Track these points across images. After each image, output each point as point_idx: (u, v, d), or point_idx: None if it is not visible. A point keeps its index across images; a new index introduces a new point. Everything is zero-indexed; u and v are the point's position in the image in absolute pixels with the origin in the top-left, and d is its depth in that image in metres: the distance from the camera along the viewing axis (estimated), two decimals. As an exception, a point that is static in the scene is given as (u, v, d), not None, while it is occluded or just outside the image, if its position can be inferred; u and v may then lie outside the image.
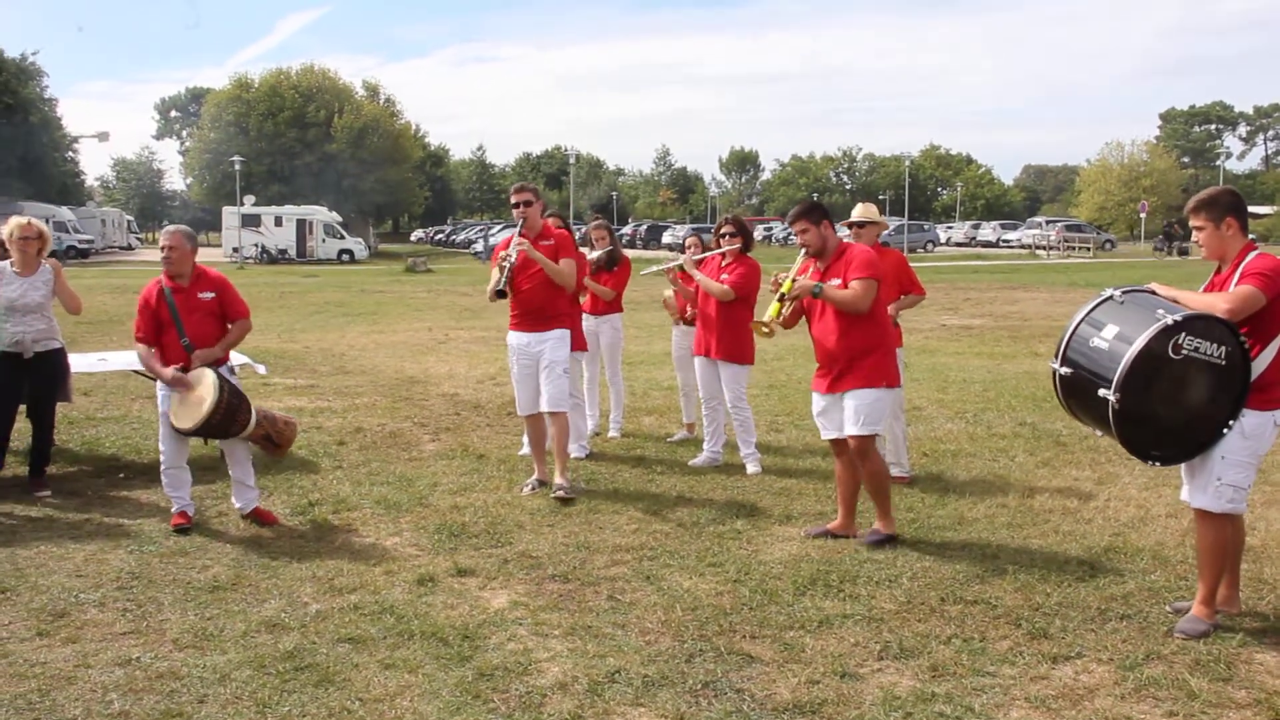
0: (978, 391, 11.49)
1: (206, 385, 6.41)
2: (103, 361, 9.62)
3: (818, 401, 6.29)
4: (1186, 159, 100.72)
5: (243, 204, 55.92)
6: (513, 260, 7.08)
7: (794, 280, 6.18)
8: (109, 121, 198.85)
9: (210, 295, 6.65)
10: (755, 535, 6.35)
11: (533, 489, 7.33)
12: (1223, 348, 4.62)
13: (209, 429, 6.44)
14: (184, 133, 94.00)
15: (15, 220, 7.36)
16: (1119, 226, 77.77)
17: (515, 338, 7.40)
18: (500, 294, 7.09)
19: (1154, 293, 4.89)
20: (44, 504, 7.11)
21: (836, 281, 6.03)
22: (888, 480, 6.28)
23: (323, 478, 7.78)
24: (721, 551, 6.02)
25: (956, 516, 6.71)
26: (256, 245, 54.32)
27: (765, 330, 6.33)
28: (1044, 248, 58.28)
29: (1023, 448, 8.70)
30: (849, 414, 6.06)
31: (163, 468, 6.65)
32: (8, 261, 7.26)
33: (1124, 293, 4.92)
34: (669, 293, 8.98)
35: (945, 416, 10.04)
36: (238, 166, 56.71)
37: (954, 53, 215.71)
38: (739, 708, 4.16)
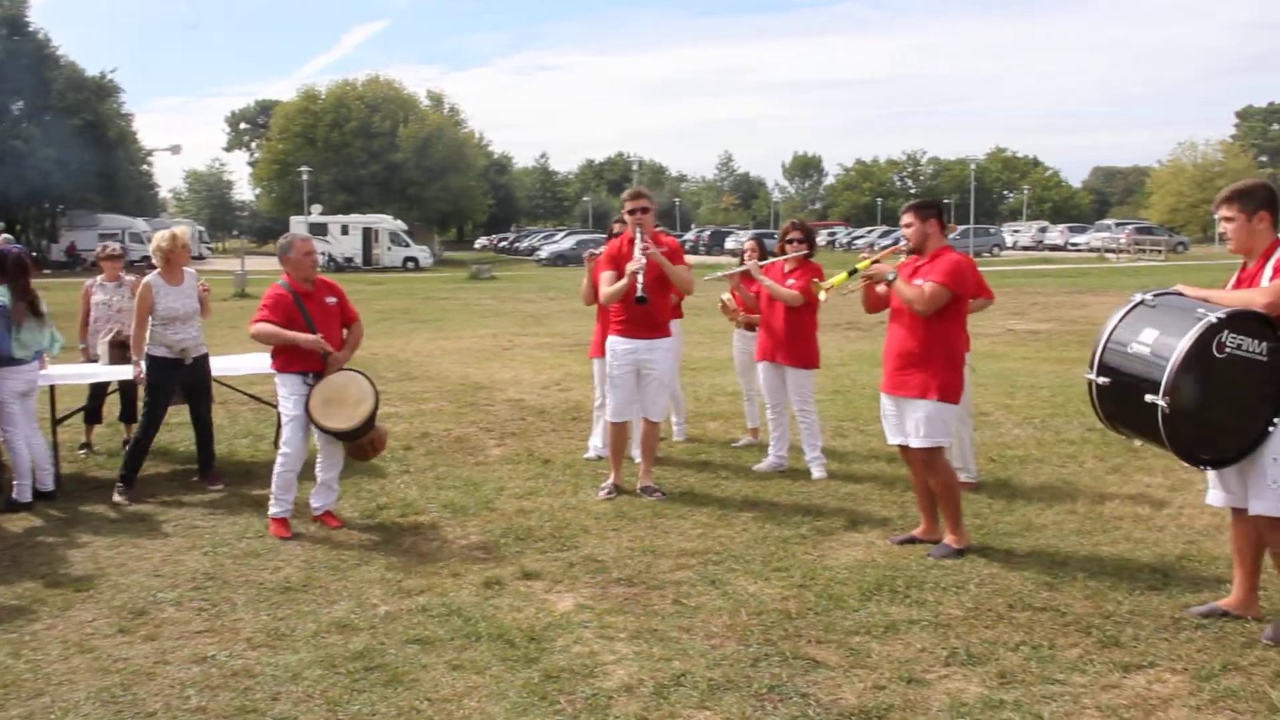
0: (1045, 397, 11.34)
1: (362, 388, 6.53)
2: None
3: (885, 404, 6.20)
4: (1265, 158, 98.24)
5: (310, 213, 56.72)
6: (643, 266, 7.04)
7: (875, 261, 6.17)
8: (181, 135, 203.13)
9: (334, 300, 6.83)
10: (821, 540, 6.32)
11: (609, 493, 7.31)
12: (1264, 344, 4.53)
13: (360, 431, 6.52)
14: (253, 144, 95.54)
15: (176, 232, 7.61)
16: (1192, 228, 76.29)
17: (622, 343, 7.34)
18: (641, 300, 7.02)
19: (1181, 294, 4.81)
20: (120, 507, 7.26)
21: (919, 282, 5.90)
22: (958, 492, 6.15)
23: (390, 482, 7.89)
24: (787, 556, 6.00)
25: (1024, 523, 6.63)
26: (323, 254, 55.05)
27: (822, 291, 6.48)
28: (1114, 251, 57.25)
29: (1092, 453, 8.56)
30: (910, 426, 5.98)
31: (279, 469, 6.60)
32: (154, 273, 7.49)
33: (1155, 296, 4.86)
34: (726, 295, 8.91)
35: (1013, 422, 9.91)
36: (305, 176, 57.59)
37: (1021, 55, 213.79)
38: (804, 712, 4.15)
